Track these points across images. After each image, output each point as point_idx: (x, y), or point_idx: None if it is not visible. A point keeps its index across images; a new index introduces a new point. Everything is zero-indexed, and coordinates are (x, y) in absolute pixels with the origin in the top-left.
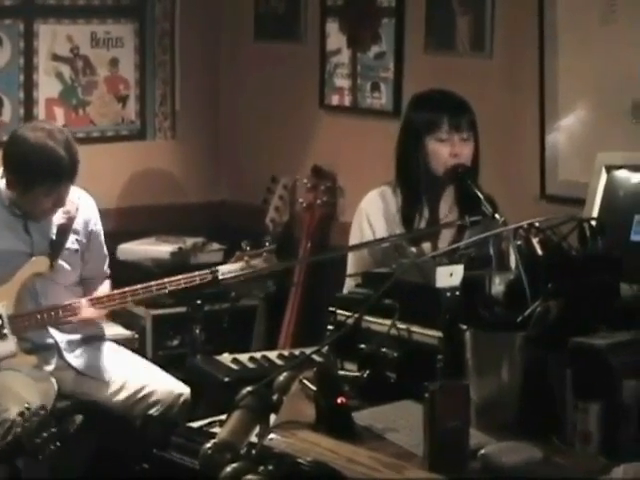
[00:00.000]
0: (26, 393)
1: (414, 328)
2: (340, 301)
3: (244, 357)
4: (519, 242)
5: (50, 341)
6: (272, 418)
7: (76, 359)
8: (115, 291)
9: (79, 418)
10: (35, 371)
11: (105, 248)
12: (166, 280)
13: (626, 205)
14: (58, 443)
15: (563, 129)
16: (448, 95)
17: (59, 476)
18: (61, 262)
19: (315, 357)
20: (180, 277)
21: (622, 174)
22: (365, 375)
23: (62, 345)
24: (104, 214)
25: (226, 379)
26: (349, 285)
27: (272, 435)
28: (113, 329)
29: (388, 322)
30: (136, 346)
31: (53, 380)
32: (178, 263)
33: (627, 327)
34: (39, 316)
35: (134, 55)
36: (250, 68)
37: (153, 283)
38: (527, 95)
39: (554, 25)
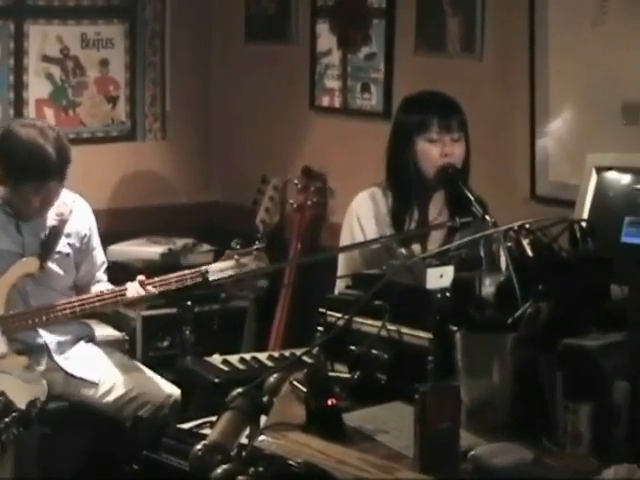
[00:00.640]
0: (15, 396)
1: (404, 329)
2: (330, 302)
3: (234, 358)
4: (509, 243)
5: (40, 342)
6: (262, 419)
7: (66, 361)
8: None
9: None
10: (25, 373)
11: (102, 254)
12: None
13: (616, 206)
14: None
15: (553, 130)
16: (438, 95)
17: (49, 477)
18: (53, 265)
19: (305, 358)
20: (172, 276)
21: (612, 175)
22: (355, 376)
23: (52, 346)
24: (94, 215)
25: (216, 380)
26: (339, 286)
27: (262, 436)
28: (103, 330)
29: (378, 323)
30: (126, 347)
31: (44, 382)
32: (168, 264)
33: (617, 328)
34: (30, 318)
35: (124, 56)
36: (241, 69)
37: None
38: (518, 96)
39: (545, 26)
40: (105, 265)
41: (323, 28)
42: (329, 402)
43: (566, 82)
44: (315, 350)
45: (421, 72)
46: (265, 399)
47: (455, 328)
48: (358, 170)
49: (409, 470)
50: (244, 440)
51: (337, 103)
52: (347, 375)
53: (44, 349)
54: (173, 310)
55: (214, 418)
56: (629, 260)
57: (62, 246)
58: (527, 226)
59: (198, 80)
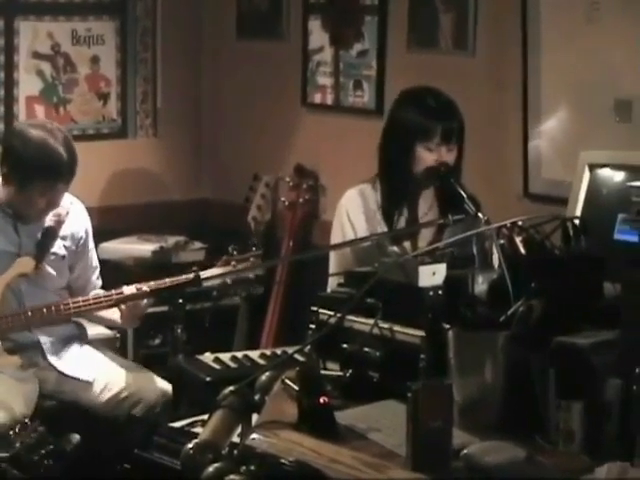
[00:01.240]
0: (9, 397)
1: (397, 327)
2: (322, 300)
3: (226, 356)
4: (502, 241)
5: (34, 341)
6: (254, 418)
7: (59, 360)
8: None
9: (76, 438)
10: (19, 372)
11: (96, 259)
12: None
13: (609, 204)
14: (51, 461)
15: (546, 127)
16: (440, 99)
17: (41, 476)
18: (47, 266)
19: (297, 357)
20: (167, 280)
21: (605, 173)
22: (348, 375)
23: (45, 346)
24: None
25: (208, 379)
26: (332, 284)
27: (254, 435)
28: (94, 329)
29: (371, 321)
30: (117, 346)
31: (36, 380)
32: (159, 262)
33: (610, 326)
34: (24, 317)
35: (115, 53)
36: (232, 66)
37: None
38: (510, 93)
39: (537, 23)
40: (98, 270)
41: (315, 25)
42: (321, 400)
43: (559, 79)
44: (307, 348)
45: (414, 69)
46: (257, 397)
47: (447, 326)
48: (350, 168)
49: (401, 469)
50: (236, 439)
51: (329, 100)
52: (339, 373)
53: (37, 348)
54: (164, 308)
55: (205, 417)
56: (622, 258)
57: (58, 248)
58: (520, 223)
59: (189, 77)
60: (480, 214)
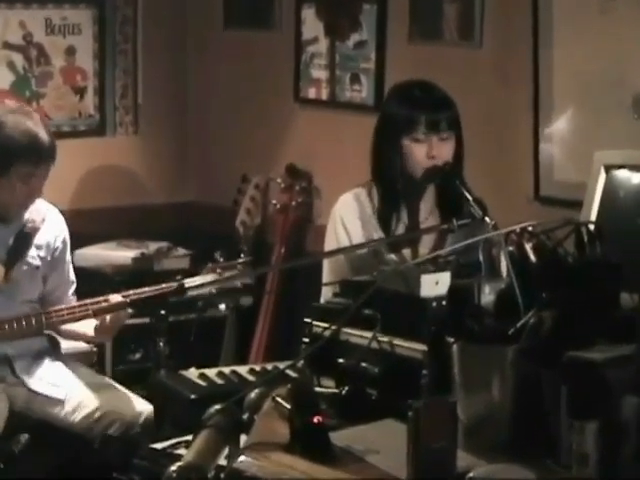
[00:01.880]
0: None
1: (397, 341)
2: (317, 311)
3: (212, 372)
4: (511, 248)
5: (2, 355)
6: (242, 439)
7: (29, 376)
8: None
9: (25, 437)
10: None
11: (72, 274)
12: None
13: (627, 207)
14: (1, 465)
15: (559, 125)
16: (428, 90)
17: None
18: (19, 276)
19: (289, 372)
20: (146, 289)
21: (622, 174)
22: (344, 392)
23: (14, 360)
24: None
25: (192, 396)
26: (326, 294)
27: (242, 457)
28: (69, 342)
29: (369, 334)
30: (94, 360)
31: (4, 397)
32: (140, 270)
33: (627, 340)
34: None
35: (93, 43)
36: (219, 58)
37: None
38: (520, 88)
39: (549, 13)
40: (74, 285)
41: (309, 13)
42: (315, 420)
43: (572, 73)
44: (300, 363)
45: (415, 61)
46: (245, 416)
47: (452, 339)
48: (347, 168)
49: None
50: (222, 461)
51: (324, 95)
52: (335, 390)
53: (6, 363)
54: (146, 320)
55: (190, 437)
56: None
57: (31, 257)
58: (530, 229)
59: (173, 70)
60: (487, 218)
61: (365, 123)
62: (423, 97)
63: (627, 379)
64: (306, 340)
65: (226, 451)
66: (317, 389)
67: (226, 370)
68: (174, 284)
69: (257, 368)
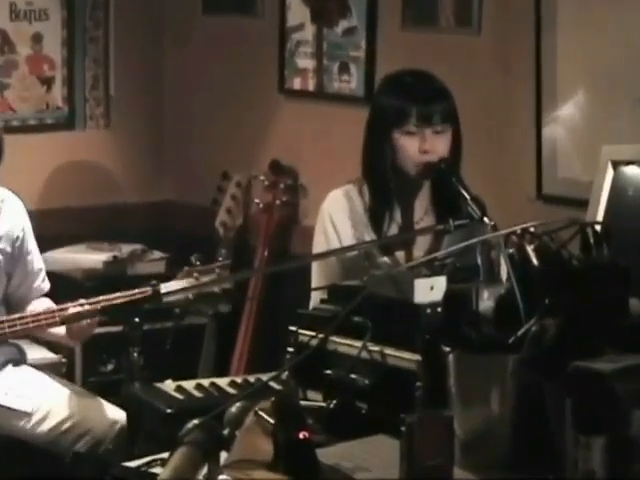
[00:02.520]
0: None
1: (389, 350)
2: (303, 319)
3: (190, 384)
4: (511, 250)
5: None
6: (223, 456)
7: None
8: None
9: None
10: None
11: (40, 259)
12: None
13: (635, 206)
14: None
15: (563, 119)
16: (421, 79)
17: None
18: None
19: (273, 385)
20: (117, 295)
21: (631, 171)
22: (331, 405)
23: None
24: None
25: (169, 410)
26: (314, 300)
27: (223, 476)
28: (36, 352)
29: (359, 344)
30: (63, 371)
31: None
32: (112, 274)
33: (636, 349)
34: None
35: (61, 30)
36: (198, 46)
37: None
38: (521, 78)
39: None
40: (44, 272)
41: None
42: (301, 435)
43: (577, 62)
44: (285, 375)
45: (409, 49)
46: (226, 432)
47: (447, 349)
48: (335, 165)
49: None
50: None
51: (311, 86)
52: (322, 404)
53: None
54: (118, 328)
55: (166, 455)
56: None
57: None
58: (532, 230)
59: (148, 59)
60: (486, 218)
61: (355, 116)
62: (414, 86)
63: (636, 391)
64: (291, 350)
65: (205, 469)
66: (303, 403)
67: (205, 382)
68: (149, 289)
69: (238, 380)
